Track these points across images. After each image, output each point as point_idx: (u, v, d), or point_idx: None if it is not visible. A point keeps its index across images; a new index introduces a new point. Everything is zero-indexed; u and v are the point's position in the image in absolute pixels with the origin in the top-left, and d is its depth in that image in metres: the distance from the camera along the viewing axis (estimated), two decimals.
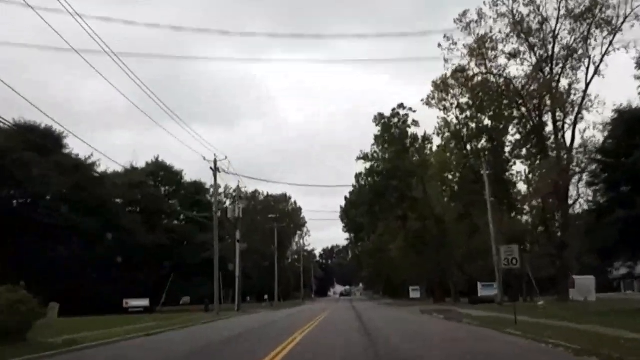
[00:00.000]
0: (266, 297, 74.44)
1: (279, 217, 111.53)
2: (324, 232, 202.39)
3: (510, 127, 44.55)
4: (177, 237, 57.40)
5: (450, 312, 31.31)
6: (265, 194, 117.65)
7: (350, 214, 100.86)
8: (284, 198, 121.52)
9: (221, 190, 65.84)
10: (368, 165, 54.13)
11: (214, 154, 37.19)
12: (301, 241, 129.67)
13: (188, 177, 61.74)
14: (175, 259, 57.21)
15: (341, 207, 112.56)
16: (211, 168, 37.01)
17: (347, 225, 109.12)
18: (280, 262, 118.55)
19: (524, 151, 44.11)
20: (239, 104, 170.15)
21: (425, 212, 51.90)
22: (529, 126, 42.56)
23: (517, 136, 44.40)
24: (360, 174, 59.83)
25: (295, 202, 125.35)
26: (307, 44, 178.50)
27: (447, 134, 50.01)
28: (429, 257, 53.14)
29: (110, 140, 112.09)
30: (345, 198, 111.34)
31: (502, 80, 42.16)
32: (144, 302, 48.19)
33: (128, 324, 24.59)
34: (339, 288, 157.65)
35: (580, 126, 39.37)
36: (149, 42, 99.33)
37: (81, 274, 42.42)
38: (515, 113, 43.23)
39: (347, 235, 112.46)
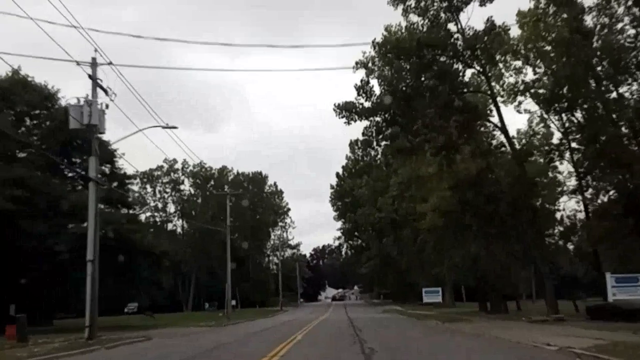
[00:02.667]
0: (233, 302, 58.70)
1: (254, 200, 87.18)
2: (313, 236, 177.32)
3: None
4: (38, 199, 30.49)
5: None
6: (237, 172, 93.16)
7: (346, 186, 75.93)
8: (260, 177, 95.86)
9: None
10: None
11: None
12: (284, 234, 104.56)
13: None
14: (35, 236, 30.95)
15: (331, 187, 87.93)
16: None
17: (340, 208, 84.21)
18: (256, 257, 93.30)
19: None
20: (219, 106, 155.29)
21: (490, 136, 26.31)
22: None
23: None
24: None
25: (275, 184, 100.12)
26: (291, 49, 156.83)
27: None
28: (497, 227, 27.58)
29: None
30: (337, 174, 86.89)
31: None
32: None
33: None
34: (330, 291, 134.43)
35: None
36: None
37: None
38: None
39: (339, 226, 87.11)
